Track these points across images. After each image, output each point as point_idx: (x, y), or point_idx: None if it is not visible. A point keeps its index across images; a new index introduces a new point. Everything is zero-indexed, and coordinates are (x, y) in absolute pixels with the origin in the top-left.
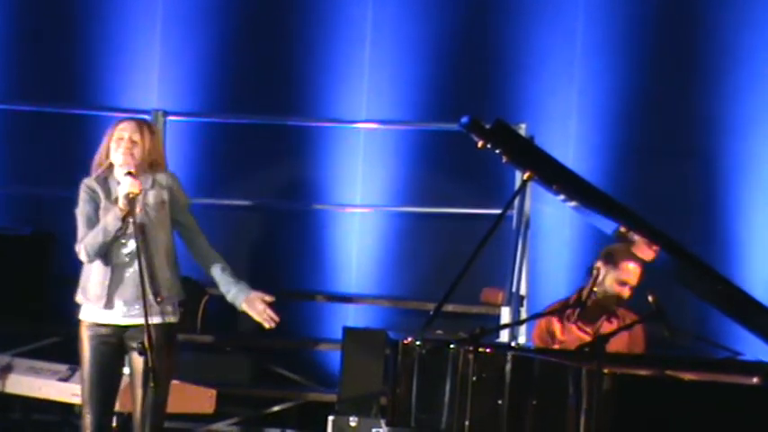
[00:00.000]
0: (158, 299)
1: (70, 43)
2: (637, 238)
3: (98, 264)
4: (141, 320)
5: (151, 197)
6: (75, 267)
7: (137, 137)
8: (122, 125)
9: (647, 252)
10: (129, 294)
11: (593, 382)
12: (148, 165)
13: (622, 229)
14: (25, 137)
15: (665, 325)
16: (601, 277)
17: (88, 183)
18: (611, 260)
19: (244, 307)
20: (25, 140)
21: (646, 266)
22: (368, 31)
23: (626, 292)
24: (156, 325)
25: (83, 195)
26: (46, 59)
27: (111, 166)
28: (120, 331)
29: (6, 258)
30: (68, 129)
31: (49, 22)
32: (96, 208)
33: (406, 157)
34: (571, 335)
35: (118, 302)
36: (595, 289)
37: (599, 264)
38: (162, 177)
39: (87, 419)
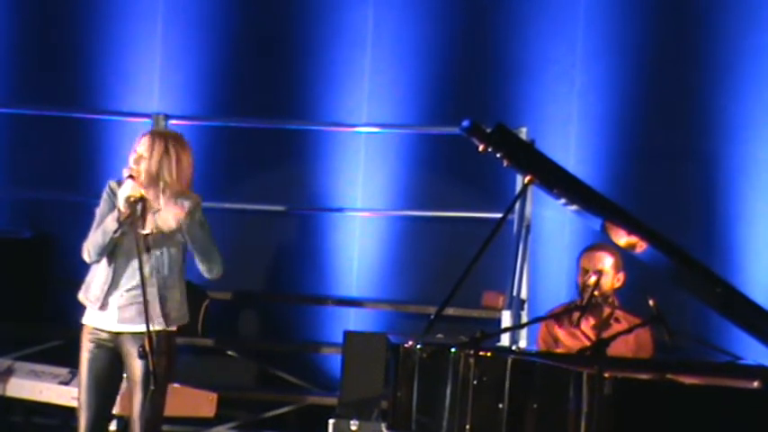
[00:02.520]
0: (168, 321)
1: (71, 47)
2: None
3: (103, 266)
4: (135, 327)
5: (168, 219)
6: (76, 271)
7: (146, 154)
8: (142, 139)
9: (620, 235)
10: (125, 301)
11: (593, 386)
12: (159, 182)
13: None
14: (26, 140)
15: (665, 328)
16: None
17: (111, 185)
18: (580, 255)
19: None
20: (26, 144)
21: (644, 266)
22: (369, 35)
23: (591, 280)
24: (155, 331)
25: (104, 196)
26: (47, 63)
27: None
28: (114, 337)
29: (7, 262)
30: (69, 132)
31: (51, 25)
32: (111, 210)
33: (406, 161)
34: (575, 338)
35: (113, 307)
36: (596, 293)
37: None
38: (183, 201)
39: (81, 423)
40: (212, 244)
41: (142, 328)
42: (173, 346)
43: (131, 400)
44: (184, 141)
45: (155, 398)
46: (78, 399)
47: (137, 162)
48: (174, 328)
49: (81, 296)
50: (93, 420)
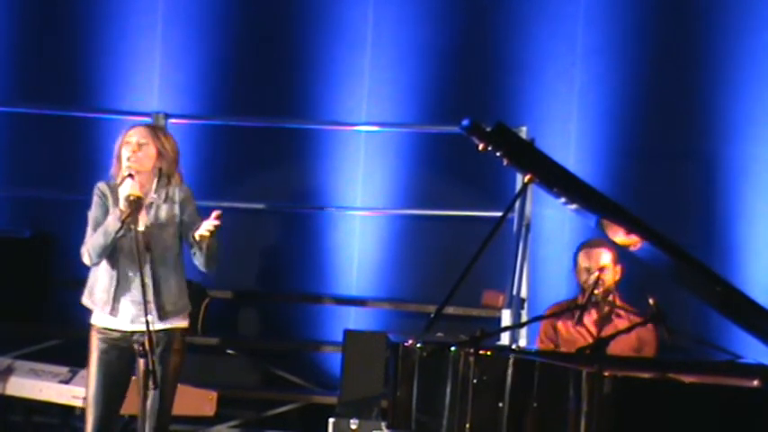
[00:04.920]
0: (162, 313)
1: (71, 46)
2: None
3: (105, 268)
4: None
5: (163, 212)
6: (75, 270)
7: (144, 140)
8: (131, 131)
9: (617, 232)
10: (135, 300)
11: (593, 385)
12: (159, 173)
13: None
14: (26, 139)
15: (665, 327)
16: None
17: (101, 186)
18: (578, 252)
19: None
20: (26, 143)
21: (644, 265)
22: (368, 34)
23: (594, 278)
24: (165, 330)
25: (94, 199)
26: (47, 62)
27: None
28: (128, 336)
29: (6, 261)
30: (69, 131)
31: (51, 24)
32: (105, 212)
33: (406, 160)
34: (577, 335)
35: (123, 309)
36: (596, 291)
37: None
38: (175, 192)
39: (89, 422)
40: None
41: (155, 325)
42: (185, 343)
43: (140, 398)
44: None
45: (164, 396)
46: (87, 398)
47: (135, 150)
48: (185, 325)
49: (85, 300)
50: (101, 421)
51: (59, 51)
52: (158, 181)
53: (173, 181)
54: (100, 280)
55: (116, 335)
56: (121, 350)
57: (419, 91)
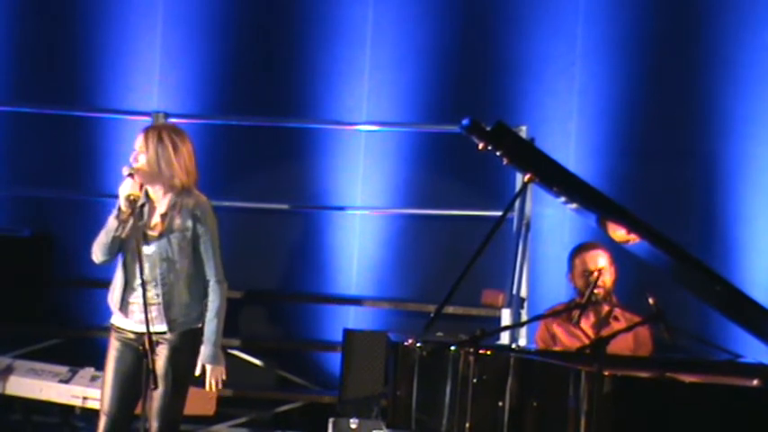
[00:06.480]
0: (172, 326)
1: (71, 45)
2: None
3: (120, 269)
4: (154, 327)
5: (176, 223)
6: (75, 270)
7: (138, 148)
8: (139, 135)
9: (616, 230)
10: (143, 301)
11: (593, 385)
12: (162, 177)
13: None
14: (26, 139)
15: (664, 327)
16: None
17: None
18: (574, 257)
19: (203, 368)
20: (26, 142)
21: (644, 264)
22: (368, 33)
23: (594, 278)
24: (182, 331)
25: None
26: (47, 61)
27: None
28: (140, 337)
29: (6, 260)
30: (69, 131)
31: (51, 24)
32: None
33: (406, 159)
34: (573, 337)
35: (133, 309)
36: (596, 291)
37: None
38: (190, 203)
39: (102, 420)
40: (220, 265)
41: (162, 327)
42: (196, 344)
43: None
44: (181, 132)
45: (174, 395)
46: (101, 399)
47: (135, 160)
48: (196, 325)
49: (108, 299)
50: (113, 419)
51: (59, 51)
52: (169, 189)
53: (183, 188)
54: (116, 279)
55: (130, 335)
56: (136, 351)
57: (419, 90)
